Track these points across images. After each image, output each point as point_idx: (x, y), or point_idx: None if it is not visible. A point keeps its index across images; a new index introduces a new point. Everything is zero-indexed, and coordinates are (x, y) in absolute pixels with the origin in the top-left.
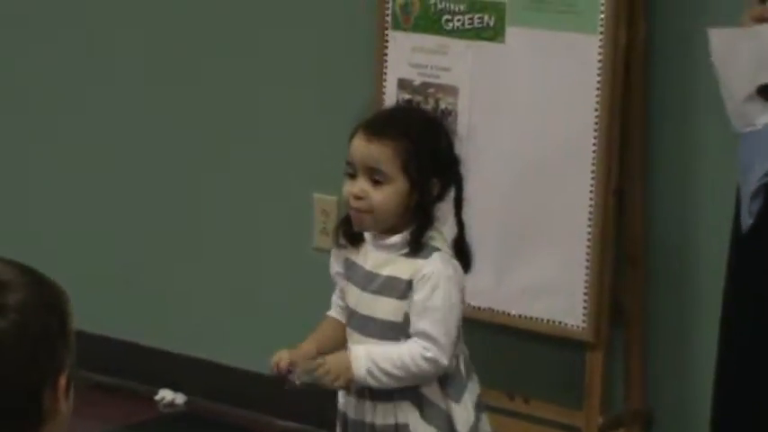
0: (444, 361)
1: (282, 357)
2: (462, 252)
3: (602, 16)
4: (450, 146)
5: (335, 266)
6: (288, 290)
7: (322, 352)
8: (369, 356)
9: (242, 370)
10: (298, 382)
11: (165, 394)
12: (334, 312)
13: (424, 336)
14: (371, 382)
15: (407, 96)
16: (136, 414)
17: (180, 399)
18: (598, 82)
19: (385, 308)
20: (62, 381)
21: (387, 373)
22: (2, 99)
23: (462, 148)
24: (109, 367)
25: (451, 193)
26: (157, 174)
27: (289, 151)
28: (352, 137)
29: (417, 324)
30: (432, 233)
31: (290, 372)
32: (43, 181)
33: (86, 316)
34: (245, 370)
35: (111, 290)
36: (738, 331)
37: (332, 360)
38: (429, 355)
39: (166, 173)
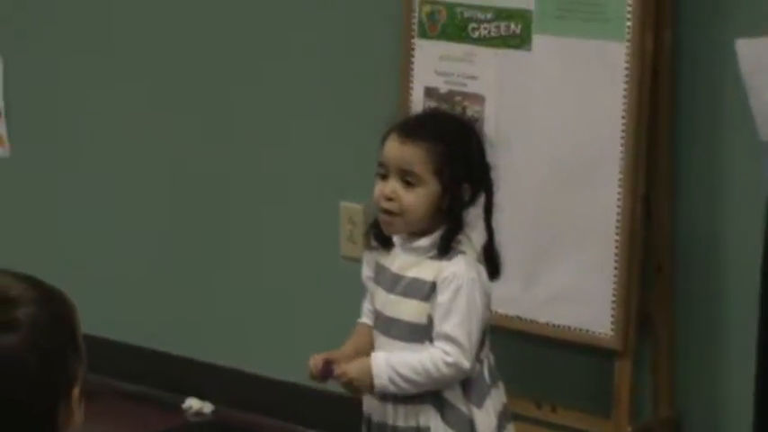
0: (466, 364)
1: (317, 359)
2: (491, 258)
3: (629, 23)
4: (482, 152)
5: (367, 271)
6: (315, 298)
7: (361, 354)
8: (389, 364)
9: (269, 378)
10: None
11: (193, 403)
12: (366, 318)
13: (447, 338)
14: (393, 389)
15: (434, 104)
16: (163, 422)
17: (207, 408)
18: (625, 89)
19: (409, 310)
20: (75, 392)
21: (408, 380)
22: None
23: (492, 155)
24: (136, 376)
25: (481, 199)
26: (186, 182)
27: (315, 160)
28: (384, 139)
29: (440, 326)
30: (460, 238)
31: (327, 369)
32: (73, 195)
33: (115, 325)
34: (273, 378)
35: (139, 298)
36: None
37: (353, 368)
38: (450, 360)
39: (196, 181)
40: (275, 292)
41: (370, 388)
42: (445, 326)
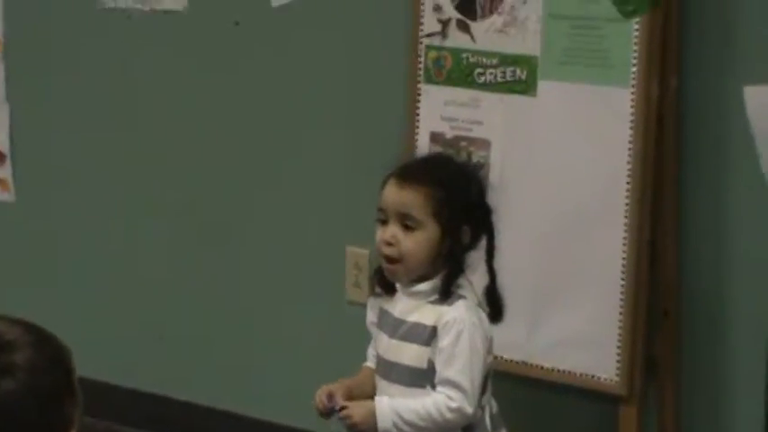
0: (469, 409)
1: (320, 394)
2: (494, 301)
3: (635, 69)
4: (482, 194)
5: (371, 316)
6: (320, 343)
7: (354, 392)
8: (393, 409)
9: (273, 423)
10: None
11: None
12: (370, 362)
13: (450, 383)
14: None
15: (439, 149)
16: None
17: None
18: (630, 135)
19: (410, 354)
20: None
21: (411, 425)
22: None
23: (495, 199)
24: (137, 420)
25: (483, 242)
26: (192, 226)
27: (322, 204)
28: (384, 184)
29: (443, 372)
30: (461, 282)
31: (330, 401)
32: (75, 241)
33: (118, 369)
34: (277, 423)
35: (142, 343)
36: None
37: (357, 411)
38: (454, 405)
39: (201, 225)
40: (280, 337)
41: (372, 426)
42: (448, 371)
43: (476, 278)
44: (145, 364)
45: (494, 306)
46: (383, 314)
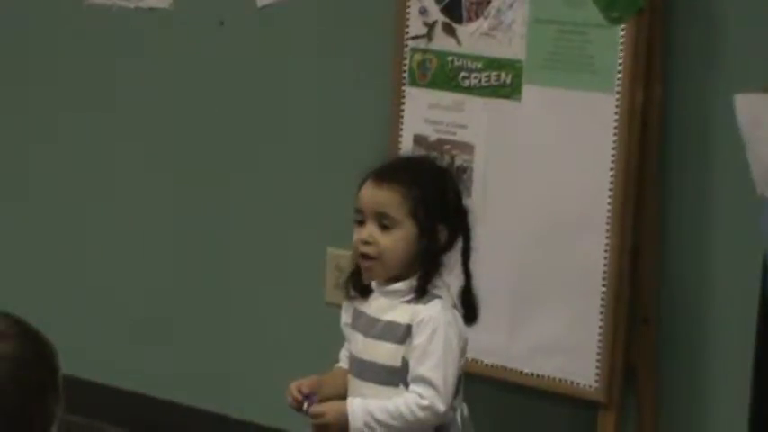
0: (441, 407)
1: (293, 387)
2: (469, 302)
3: (620, 76)
4: (457, 195)
5: (345, 318)
6: (299, 344)
7: (324, 388)
8: (365, 409)
9: (252, 423)
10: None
11: None
12: (342, 363)
13: (422, 380)
14: None
15: (423, 152)
16: None
17: None
18: (614, 141)
19: (384, 352)
20: (52, 430)
21: (383, 424)
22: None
23: (477, 203)
24: (121, 419)
25: (459, 244)
26: (171, 225)
27: (303, 206)
28: (361, 186)
29: (416, 369)
30: (437, 282)
31: (304, 396)
32: (74, 239)
33: (102, 368)
34: (255, 423)
35: (121, 342)
36: None
37: (329, 410)
38: (425, 403)
39: (180, 224)
40: (259, 337)
41: (345, 431)
42: (421, 368)
43: (451, 279)
44: (120, 362)
45: (468, 307)
46: (358, 315)
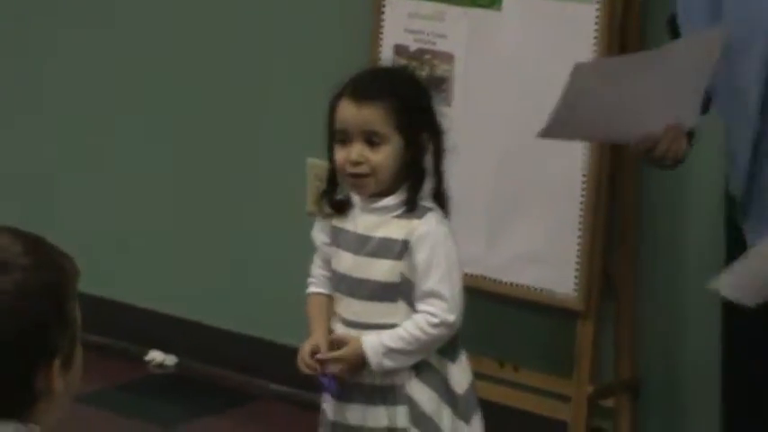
0: (451, 318)
1: (306, 359)
2: (441, 203)
3: None
4: (428, 98)
5: (322, 237)
6: (281, 254)
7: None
8: (380, 343)
9: (232, 332)
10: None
11: (155, 355)
12: (319, 287)
13: (430, 294)
14: (390, 366)
15: (404, 62)
16: (125, 374)
17: (170, 360)
18: (594, 50)
19: (381, 269)
20: (56, 363)
21: (401, 352)
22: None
23: (451, 111)
24: (99, 327)
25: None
26: (157, 143)
27: (283, 117)
28: (333, 104)
29: (421, 286)
30: (421, 194)
31: (322, 367)
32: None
33: (82, 276)
34: (236, 332)
35: (107, 250)
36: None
37: (348, 355)
38: (436, 320)
39: (168, 143)
40: (241, 247)
41: (364, 370)
42: (427, 283)
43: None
44: (105, 270)
45: (441, 208)
46: (338, 232)
